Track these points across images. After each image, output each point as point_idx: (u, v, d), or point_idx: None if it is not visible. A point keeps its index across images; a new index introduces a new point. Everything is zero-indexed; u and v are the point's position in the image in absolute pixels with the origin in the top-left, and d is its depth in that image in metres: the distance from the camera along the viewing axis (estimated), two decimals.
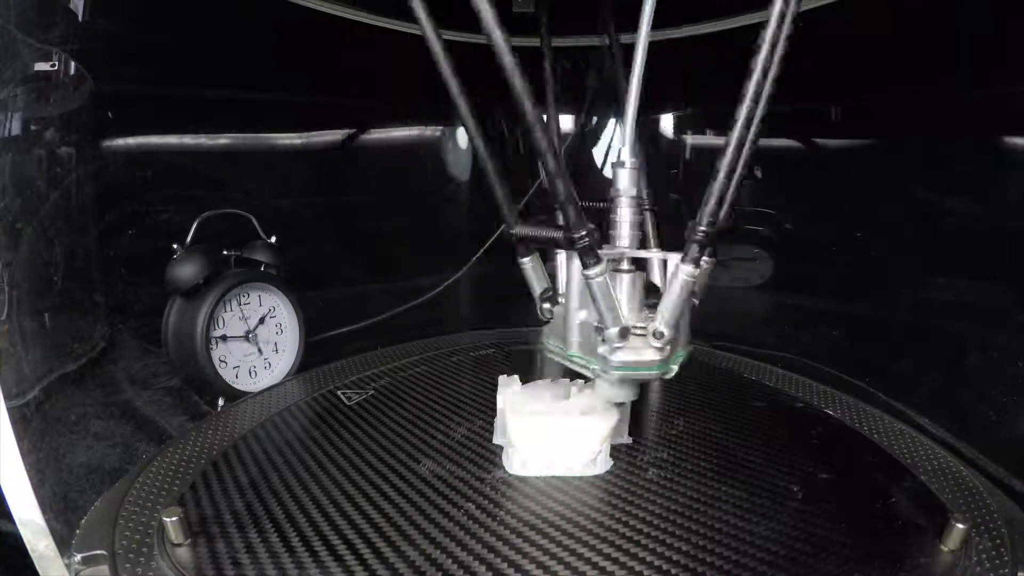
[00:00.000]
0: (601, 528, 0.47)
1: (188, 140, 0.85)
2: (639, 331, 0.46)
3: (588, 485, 0.53)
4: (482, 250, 1.06)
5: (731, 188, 0.47)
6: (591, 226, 0.42)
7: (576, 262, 0.44)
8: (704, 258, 0.47)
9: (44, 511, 0.42)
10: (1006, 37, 0.65)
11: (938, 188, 0.76)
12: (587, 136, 1.12)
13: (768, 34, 0.40)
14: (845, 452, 0.61)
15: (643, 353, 0.45)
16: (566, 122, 1.09)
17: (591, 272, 0.43)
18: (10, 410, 0.43)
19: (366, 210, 1.09)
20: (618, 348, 0.45)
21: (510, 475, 0.55)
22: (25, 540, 0.42)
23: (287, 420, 0.66)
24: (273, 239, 0.82)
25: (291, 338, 0.83)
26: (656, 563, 0.43)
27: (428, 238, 1.15)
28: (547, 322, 0.52)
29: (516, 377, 0.61)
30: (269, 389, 0.75)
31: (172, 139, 0.84)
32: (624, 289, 0.47)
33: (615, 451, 0.58)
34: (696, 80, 1.01)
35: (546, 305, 0.52)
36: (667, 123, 1.11)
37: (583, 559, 0.44)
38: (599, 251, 0.43)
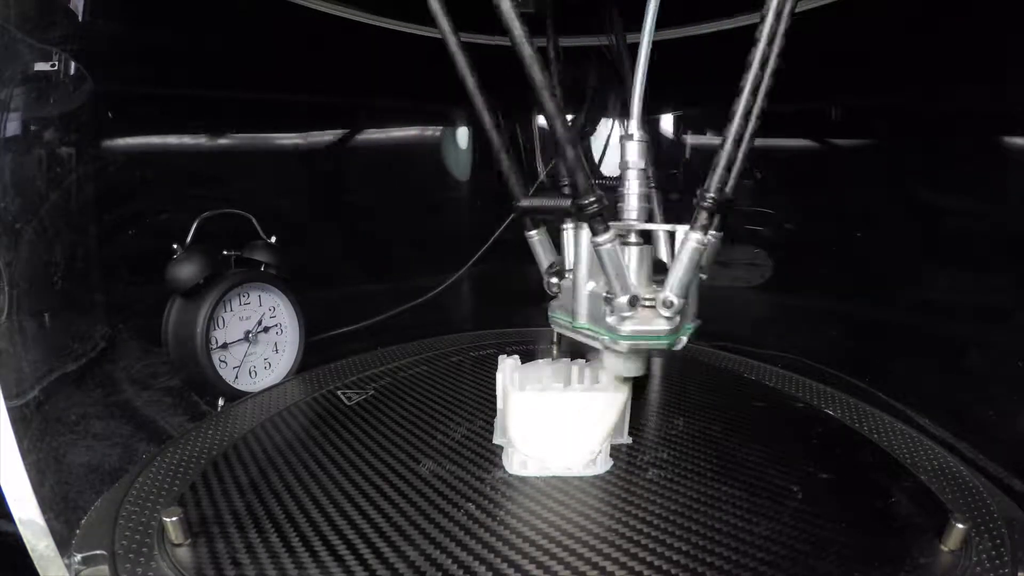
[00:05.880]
0: (601, 528, 0.47)
1: (188, 140, 0.85)
2: (648, 302, 0.46)
3: (588, 485, 0.53)
4: (483, 249, 1.06)
5: (739, 158, 0.47)
6: (600, 192, 0.42)
7: (585, 231, 0.45)
8: (711, 232, 0.48)
9: (44, 511, 0.42)
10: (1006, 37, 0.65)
11: (938, 188, 0.76)
12: (586, 135, 1.11)
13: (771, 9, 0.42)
14: (845, 452, 0.61)
15: (652, 322, 0.45)
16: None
17: (600, 239, 0.43)
18: (10, 410, 0.43)
19: (366, 210, 1.09)
20: (627, 317, 0.45)
21: (510, 475, 0.55)
22: (25, 540, 0.42)
23: (287, 420, 0.66)
24: (273, 239, 0.82)
25: (291, 338, 0.83)
26: (656, 563, 0.43)
27: (428, 238, 1.15)
28: (554, 296, 0.52)
29: (517, 357, 0.61)
30: (269, 389, 0.75)
31: (172, 139, 0.83)
32: (633, 261, 0.47)
33: (615, 451, 0.58)
34: (695, 80, 1.01)
35: (553, 280, 0.52)
36: (667, 123, 1.11)
37: (583, 559, 0.44)
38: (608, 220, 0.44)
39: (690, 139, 1.08)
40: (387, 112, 1.09)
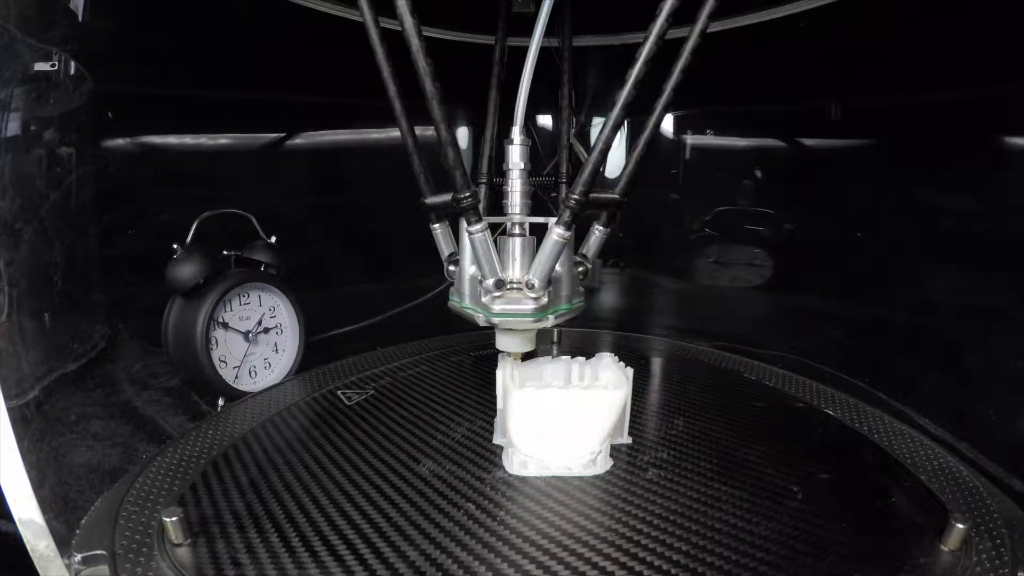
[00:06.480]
0: (601, 528, 0.47)
1: (188, 140, 0.85)
2: (516, 285, 0.52)
3: (588, 485, 0.53)
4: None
5: (631, 163, 0.53)
6: (474, 190, 0.49)
7: (464, 223, 0.50)
8: (598, 227, 0.57)
9: (44, 511, 0.42)
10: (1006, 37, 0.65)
11: (938, 188, 0.76)
12: (586, 134, 1.11)
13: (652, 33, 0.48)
14: (845, 452, 0.61)
15: (520, 302, 0.51)
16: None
17: (472, 229, 0.49)
18: (10, 410, 0.43)
19: (366, 210, 1.09)
20: (497, 297, 0.51)
21: (510, 475, 0.55)
22: (25, 540, 0.42)
23: (287, 420, 0.66)
24: (273, 239, 0.82)
25: (291, 338, 0.83)
26: (656, 563, 0.43)
27: (428, 238, 1.15)
28: (452, 282, 0.57)
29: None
30: (269, 389, 0.75)
31: (172, 139, 0.84)
32: (516, 251, 0.52)
33: (615, 451, 0.58)
34: (695, 80, 1.00)
35: (451, 267, 0.58)
36: (667, 123, 1.11)
37: (583, 559, 0.44)
38: (481, 212, 0.49)
39: (690, 139, 1.08)
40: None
